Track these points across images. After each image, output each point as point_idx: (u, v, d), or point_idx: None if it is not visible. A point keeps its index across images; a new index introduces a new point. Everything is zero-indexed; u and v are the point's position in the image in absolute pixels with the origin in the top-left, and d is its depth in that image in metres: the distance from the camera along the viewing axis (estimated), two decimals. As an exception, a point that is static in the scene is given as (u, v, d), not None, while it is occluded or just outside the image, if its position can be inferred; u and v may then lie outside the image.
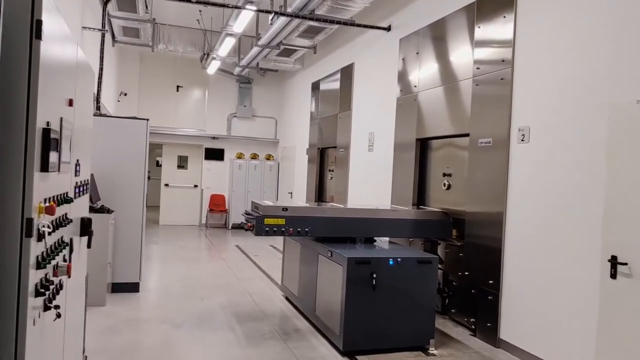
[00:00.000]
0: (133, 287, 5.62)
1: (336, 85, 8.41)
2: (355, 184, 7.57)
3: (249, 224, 4.59)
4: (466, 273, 4.74)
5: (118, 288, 5.54)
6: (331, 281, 4.24)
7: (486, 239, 4.49)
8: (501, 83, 4.43)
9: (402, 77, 6.20)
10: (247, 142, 12.34)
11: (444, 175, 5.36)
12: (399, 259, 4.08)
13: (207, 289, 5.99)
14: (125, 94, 11.12)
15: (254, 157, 12.21)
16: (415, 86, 5.87)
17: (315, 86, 9.51)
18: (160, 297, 5.52)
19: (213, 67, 10.23)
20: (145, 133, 5.64)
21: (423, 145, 5.81)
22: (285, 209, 4.53)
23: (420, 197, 5.83)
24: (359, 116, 7.55)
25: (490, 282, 4.41)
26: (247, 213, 4.84)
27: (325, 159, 9.19)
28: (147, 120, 5.69)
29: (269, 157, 12.31)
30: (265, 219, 4.46)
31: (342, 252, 4.13)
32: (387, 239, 5.07)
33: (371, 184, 6.98)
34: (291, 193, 10.90)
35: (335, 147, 8.39)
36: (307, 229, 4.56)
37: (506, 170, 4.31)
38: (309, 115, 9.80)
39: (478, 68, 4.75)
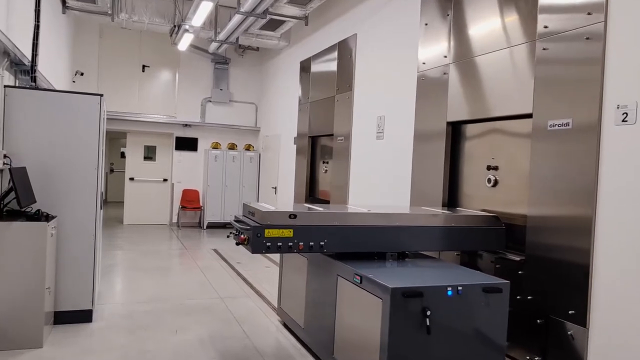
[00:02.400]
0: (84, 317, 4.28)
1: (333, 62, 7.16)
2: (358, 178, 6.36)
3: (242, 236, 3.32)
4: (529, 297, 3.60)
5: (63, 318, 4.19)
6: (361, 317, 3.03)
7: (563, 252, 3.35)
8: (586, 44, 3.27)
9: (426, 47, 5.00)
10: (224, 131, 10.97)
11: (489, 168, 4.19)
12: (459, 288, 2.89)
13: (182, 314, 4.69)
14: (82, 74, 9.59)
15: (232, 147, 10.86)
16: (446, 56, 4.68)
17: (305, 65, 8.23)
18: (119, 330, 4.20)
19: (185, 42, 8.82)
20: (98, 113, 4.28)
21: (456, 131, 4.63)
22: (293, 215, 3.28)
23: (452, 196, 4.66)
24: (363, 98, 6.32)
25: (571, 312, 3.28)
26: (237, 221, 3.57)
27: (318, 149, 7.95)
28: (101, 96, 4.32)
29: (248, 148, 10.98)
30: (267, 230, 3.21)
31: (378, 277, 2.92)
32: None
33: (381, 179, 5.79)
34: (275, 188, 9.62)
35: (331, 135, 7.15)
36: (322, 243, 3.33)
37: (595, 161, 3.17)
38: (297, 100, 8.53)
39: (546, 26, 3.59)
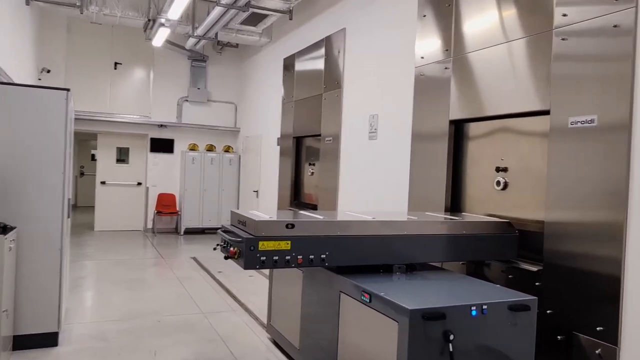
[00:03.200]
0: (48, 340, 3.78)
1: (319, 58, 6.78)
2: (349, 181, 5.99)
3: (232, 249, 2.91)
4: (548, 311, 3.27)
5: (24, 343, 3.69)
6: (371, 341, 2.65)
7: (589, 262, 3.04)
8: (613, 33, 2.97)
9: (424, 40, 4.66)
10: (202, 131, 10.47)
11: (498, 170, 3.87)
12: (484, 307, 2.54)
13: (160, 333, 4.23)
14: (49, 71, 8.98)
15: (210, 149, 10.36)
16: (447, 50, 4.34)
17: (289, 62, 7.83)
18: (89, 355, 3.72)
19: (160, 38, 8.31)
20: (64, 110, 3.79)
21: (460, 130, 4.30)
22: (291, 225, 2.88)
23: (455, 200, 4.32)
24: (353, 96, 5.96)
25: (599, 328, 2.96)
26: (226, 231, 3.15)
27: (303, 151, 7.55)
28: (68, 90, 3.84)
29: (228, 149, 10.50)
30: (261, 243, 2.80)
31: (391, 295, 2.55)
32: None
33: (374, 182, 5.42)
34: (257, 191, 9.18)
35: (318, 135, 6.77)
36: (323, 256, 2.94)
37: (626, 161, 2.86)
38: (280, 99, 8.11)
39: (565, 15, 3.28)
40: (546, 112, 3.39)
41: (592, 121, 3.06)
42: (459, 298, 2.61)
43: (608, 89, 2.97)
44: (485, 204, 4.01)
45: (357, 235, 3.03)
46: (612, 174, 2.93)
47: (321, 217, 3.07)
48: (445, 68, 4.34)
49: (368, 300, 2.68)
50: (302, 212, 3.42)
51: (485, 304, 2.55)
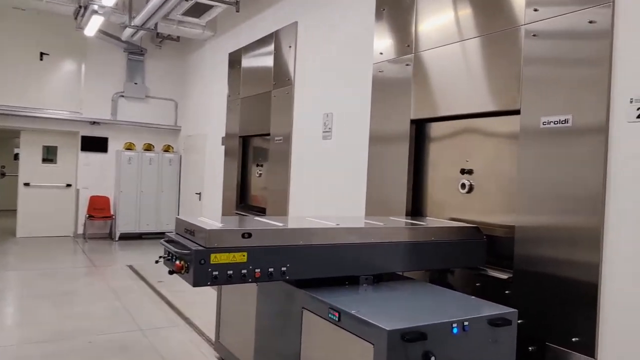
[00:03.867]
0: (-47, 372, 3.20)
1: (269, 53, 6.42)
2: (300, 184, 5.67)
3: (178, 262, 2.51)
4: (519, 321, 3.09)
5: None
6: (341, 366, 2.34)
7: (563, 268, 2.88)
8: (589, 30, 2.83)
9: (383, 35, 4.43)
10: (139, 130, 9.80)
11: (463, 172, 3.68)
12: (465, 323, 2.30)
13: (93, 357, 3.72)
14: (-38, 60, 8.03)
15: (149, 148, 9.72)
16: (409, 46, 4.13)
17: (235, 58, 7.41)
18: (5, 387, 3.18)
19: (93, 27, 7.63)
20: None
21: (422, 130, 4.09)
22: (247, 234, 2.52)
23: (416, 204, 4.11)
24: (306, 93, 5.65)
25: (575, 339, 2.82)
26: (170, 241, 2.74)
27: (250, 151, 7.16)
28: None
29: (168, 149, 9.90)
30: (213, 255, 2.42)
31: (364, 313, 2.26)
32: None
33: (329, 184, 5.14)
34: (200, 194, 8.66)
35: (267, 135, 6.40)
36: (284, 268, 2.60)
37: (603, 164, 2.73)
38: (225, 96, 7.67)
39: (536, 10, 3.13)
40: (516, 112, 3.23)
41: (566, 121, 2.91)
42: (438, 314, 2.36)
43: (584, 87, 2.84)
44: (448, 208, 3.82)
45: (321, 244, 2.72)
46: (588, 177, 2.79)
47: (281, 225, 2.73)
48: (407, 65, 4.13)
49: (337, 319, 2.37)
50: (258, 218, 3.06)
51: (466, 320, 2.31)
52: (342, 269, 2.80)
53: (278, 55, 6.21)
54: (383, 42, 4.42)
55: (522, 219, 3.13)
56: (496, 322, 2.40)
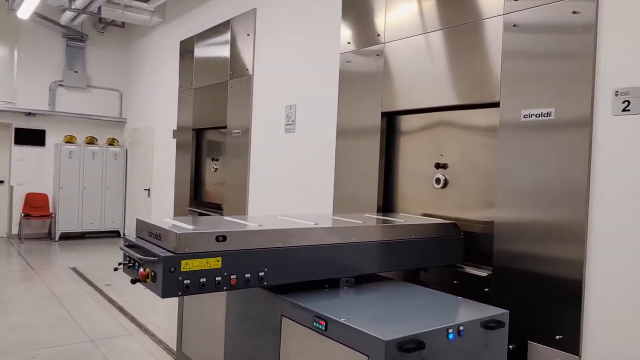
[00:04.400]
0: None
1: (224, 41, 6.08)
2: (261, 179, 5.41)
3: (143, 270, 2.23)
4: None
5: None
6: (329, 379, 2.15)
7: (546, 265, 2.81)
8: (572, 20, 2.77)
9: (351, 23, 4.25)
10: (81, 122, 9.16)
11: (438, 166, 3.57)
12: (461, 328, 2.16)
13: (37, 374, 3.34)
14: None
15: (92, 141, 9.10)
16: (379, 35, 3.96)
17: (187, 46, 7.01)
18: None
19: (27, 9, 6.99)
20: None
21: (393, 123, 3.95)
22: (222, 237, 2.26)
23: (388, 199, 3.98)
24: (267, 84, 5.39)
25: (559, 337, 2.76)
26: (131, 246, 2.44)
27: (204, 145, 6.80)
28: None
29: (112, 142, 9.31)
30: (184, 262, 2.15)
31: (354, 321, 2.07)
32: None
33: (293, 179, 4.92)
34: (149, 190, 8.19)
35: (223, 127, 6.09)
36: (262, 273, 2.37)
37: (587, 159, 2.68)
38: (176, 87, 7.26)
39: (516, -1, 3.04)
40: (495, 105, 3.14)
41: (548, 114, 2.84)
42: (431, 319, 2.21)
43: (567, 79, 2.77)
44: (421, 203, 3.70)
45: (301, 245, 2.50)
46: (572, 172, 2.73)
47: (256, 225, 2.49)
48: (377, 55, 3.96)
49: (323, 328, 2.17)
50: (228, 218, 2.80)
51: (461, 324, 2.17)
52: (323, 271, 2.60)
53: (235, 43, 5.89)
54: (351, 31, 4.24)
55: (502, 214, 3.05)
56: (490, 324, 2.29)
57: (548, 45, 2.86)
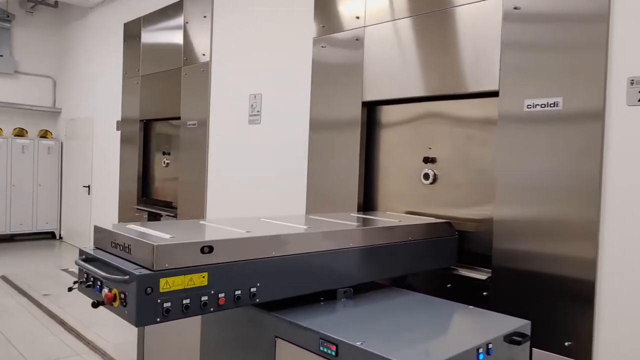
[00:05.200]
0: None
1: (177, 24, 5.55)
2: (221, 175, 4.97)
3: (109, 292, 1.79)
4: (499, 325, 2.81)
5: None
6: (342, 414, 1.82)
7: (553, 264, 2.61)
8: (582, 3, 2.56)
9: (326, 5, 3.90)
10: (8, 112, 8.24)
11: (427, 161, 3.31)
12: (489, 346, 1.89)
13: (-35, 412, 2.78)
14: None
15: (21, 133, 8.21)
16: (358, 17, 3.64)
17: (133, 29, 6.39)
18: None
19: (-57, -19, 6.09)
20: None
21: (375, 115, 3.65)
22: (208, 247, 1.86)
23: (368, 197, 3.68)
24: (227, 71, 4.93)
25: (568, 343, 2.58)
26: (89, 259, 1.99)
27: (154, 138, 6.24)
28: None
29: (45, 135, 8.45)
30: (164, 280, 1.74)
31: (372, 344, 1.75)
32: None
33: (259, 175, 4.52)
34: (89, 187, 7.48)
35: (176, 118, 5.57)
36: (254, 289, 1.99)
37: (599, 149, 2.49)
38: (120, 74, 6.61)
39: (517, -21, 2.81)
40: (493, 94, 2.91)
41: (555, 105, 2.63)
42: (457, 338, 1.94)
43: (576, 66, 2.57)
44: (407, 201, 3.43)
45: (297, 254, 2.14)
46: (582, 166, 2.54)
47: (243, 232, 2.10)
48: (356, 40, 3.64)
49: (334, 354, 1.84)
50: (205, 223, 2.39)
51: (489, 342, 1.91)
52: (320, 282, 2.26)
53: (189, 26, 5.38)
54: (325, 13, 3.89)
55: (501, 211, 2.82)
56: (515, 339, 2.04)
57: (554, 28, 2.65)
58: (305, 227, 2.34)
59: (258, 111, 4.53)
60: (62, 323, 4.25)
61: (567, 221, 2.58)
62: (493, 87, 2.88)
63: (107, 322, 4.20)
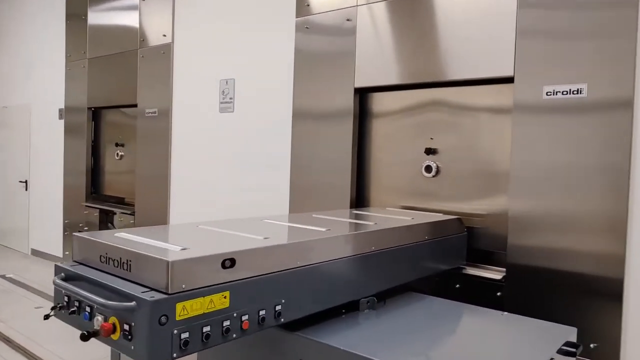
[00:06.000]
0: None
1: (131, 4, 5.00)
2: (187, 169, 4.52)
3: (106, 322, 1.41)
4: (515, 327, 2.63)
5: None
6: None
7: (577, 262, 2.46)
8: (607, -18, 2.40)
9: (309, -19, 3.56)
10: None
11: (429, 152, 3.07)
12: (553, 361, 1.68)
13: None
14: None
15: (-58, 123, 7.26)
16: (350, -5, 3.34)
17: (76, 7, 5.73)
18: None
19: None
20: None
21: (368, 103, 3.37)
22: (229, 261, 1.51)
23: (361, 191, 3.41)
24: (193, 53, 4.48)
25: (593, 345, 2.43)
26: (72, 278, 1.58)
27: (104, 127, 5.65)
28: None
29: (-29, 124, 7.51)
30: (180, 306, 1.38)
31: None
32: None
33: (232, 169, 4.13)
34: (26, 182, 6.73)
35: (131, 106, 5.05)
36: (278, 307, 1.66)
37: (628, 139, 2.33)
38: (63, 56, 5.94)
39: (534, -43, 2.61)
40: (507, 80, 2.70)
41: (579, 92, 2.46)
42: (508, 353, 1.70)
43: (602, 49, 2.40)
44: (406, 195, 3.19)
45: (322, 262, 1.83)
46: (609, 157, 2.38)
47: (260, 238, 1.76)
48: (347, 20, 3.34)
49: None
50: (208, 227, 2.01)
51: (552, 357, 1.69)
52: (343, 293, 1.96)
53: (145, 3, 4.85)
54: (310, -9, 3.56)
55: (518, 205, 2.63)
56: (570, 350, 1.84)
57: (577, 13, 2.47)
58: (324, 229, 2.03)
59: (231, 98, 4.13)
60: (6, 340, 3.69)
61: (592, 216, 2.42)
62: (507, 72, 2.68)
63: (57, 335, 3.68)
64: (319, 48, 3.49)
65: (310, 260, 1.78)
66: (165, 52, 4.65)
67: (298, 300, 1.73)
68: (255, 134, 3.94)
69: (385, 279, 2.18)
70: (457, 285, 2.86)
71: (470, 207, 2.92)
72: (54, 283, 1.58)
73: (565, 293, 2.50)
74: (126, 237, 1.65)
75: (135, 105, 4.95)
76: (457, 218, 2.81)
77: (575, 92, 2.47)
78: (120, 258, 1.51)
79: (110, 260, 1.54)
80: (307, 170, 3.58)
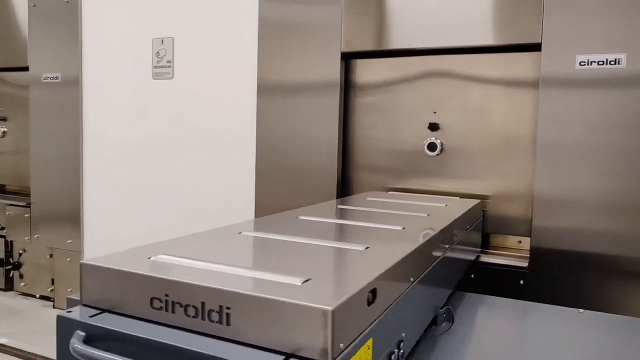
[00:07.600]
0: None
1: None
2: (106, 150, 3.66)
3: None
4: (540, 318, 2.44)
5: None
6: None
7: (619, 245, 2.30)
8: (649, -57, 2.21)
9: None
10: None
11: (434, 128, 2.72)
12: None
13: None
14: None
15: None
16: (334, -58, 2.81)
17: None
18: None
19: None
20: None
21: (354, 72, 2.90)
22: (372, 293, 1.00)
23: (346, 175, 2.96)
24: (111, 3, 3.57)
25: (628, 331, 2.32)
26: (96, 339, 0.94)
27: (-24, 96, 4.42)
28: None
29: None
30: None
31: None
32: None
33: (170, 149, 3.39)
34: None
35: (19, 69, 3.98)
36: (402, 342, 1.19)
37: (666, 117, 2.22)
38: None
39: None
40: (533, 47, 2.44)
41: (617, 62, 2.28)
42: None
43: (644, 17, 2.23)
44: (402, 176, 2.83)
45: (423, 274, 1.39)
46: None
47: (362, 248, 1.26)
48: (331, -30, 2.82)
49: None
50: (256, 234, 1.43)
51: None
52: (432, 307, 1.55)
53: (38, -63, 3.79)
54: None
55: (545, 185, 2.40)
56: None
57: (617, -27, 2.27)
58: (401, 228, 1.57)
59: (168, 62, 3.37)
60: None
61: (631, 197, 2.28)
62: (533, 39, 2.41)
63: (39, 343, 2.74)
64: (293, 4, 2.92)
65: (417, 274, 1.33)
66: (69, 1, 3.67)
67: (413, 327, 1.28)
68: (203, 105, 3.26)
69: (448, 282, 1.81)
70: (472, 275, 2.59)
71: (483, 189, 2.65)
72: (74, 350, 0.92)
73: (604, 279, 2.34)
74: (181, 263, 1.04)
75: (26, 69, 3.89)
76: (479, 202, 2.52)
77: (612, 63, 2.28)
78: (203, 304, 0.91)
79: (177, 304, 0.94)
80: (276, 151, 3.01)
